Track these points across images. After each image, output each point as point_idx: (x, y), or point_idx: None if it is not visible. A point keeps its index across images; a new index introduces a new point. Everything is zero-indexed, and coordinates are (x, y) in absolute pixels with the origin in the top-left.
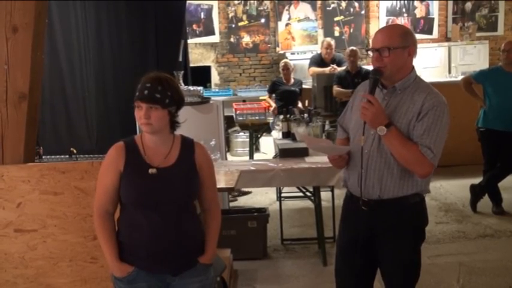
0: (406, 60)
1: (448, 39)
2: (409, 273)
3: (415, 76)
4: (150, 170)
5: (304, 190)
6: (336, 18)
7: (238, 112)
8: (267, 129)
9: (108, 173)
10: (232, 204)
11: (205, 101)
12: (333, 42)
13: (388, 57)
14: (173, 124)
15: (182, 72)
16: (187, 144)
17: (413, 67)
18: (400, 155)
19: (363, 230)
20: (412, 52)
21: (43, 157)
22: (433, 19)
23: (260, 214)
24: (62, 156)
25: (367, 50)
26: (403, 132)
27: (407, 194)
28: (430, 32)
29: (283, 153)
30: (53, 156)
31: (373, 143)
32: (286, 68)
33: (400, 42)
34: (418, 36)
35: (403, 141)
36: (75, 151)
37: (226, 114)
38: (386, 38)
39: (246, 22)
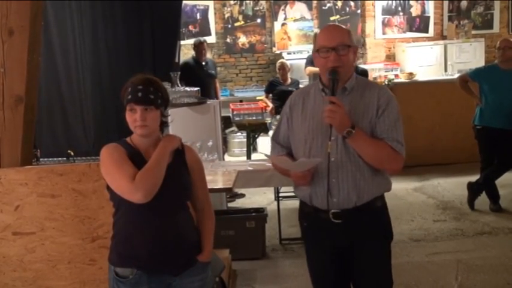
0: (353, 59)
1: (443, 38)
2: (389, 277)
3: (355, 75)
4: None
5: None
6: (332, 18)
7: (235, 112)
8: (264, 129)
9: (126, 159)
10: (230, 204)
11: (202, 101)
12: None
13: (345, 56)
14: (162, 124)
15: (179, 73)
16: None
17: None
18: (371, 155)
19: (340, 243)
20: (356, 52)
21: (40, 159)
22: (428, 17)
23: (258, 214)
24: (60, 159)
25: (317, 51)
26: (366, 132)
27: (378, 194)
28: (425, 31)
29: None
30: (50, 159)
31: (338, 148)
32: (283, 67)
33: (351, 40)
34: (414, 34)
35: (370, 141)
36: (72, 153)
37: (223, 114)
38: (342, 36)
39: (242, 22)
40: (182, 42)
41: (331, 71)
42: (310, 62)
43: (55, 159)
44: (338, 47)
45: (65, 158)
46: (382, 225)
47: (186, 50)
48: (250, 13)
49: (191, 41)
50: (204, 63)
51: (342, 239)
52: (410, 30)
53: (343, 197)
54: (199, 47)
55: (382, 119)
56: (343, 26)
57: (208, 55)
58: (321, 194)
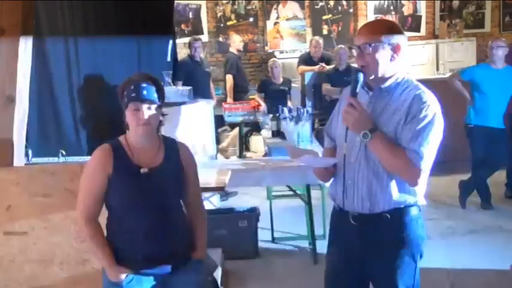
0: (391, 58)
1: (435, 37)
2: None
3: (403, 76)
4: (142, 170)
5: (294, 189)
6: (324, 17)
7: (227, 111)
8: (256, 128)
9: (96, 176)
10: (222, 204)
11: (194, 100)
12: (321, 40)
13: (369, 55)
14: (158, 123)
15: (171, 72)
16: (171, 144)
17: (401, 66)
18: (388, 162)
19: (355, 246)
20: (398, 49)
21: (32, 159)
22: (420, 17)
23: (251, 213)
24: (51, 158)
25: (350, 48)
26: (390, 137)
27: (399, 206)
28: (417, 30)
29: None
30: (41, 158)
31: (359, 150)
32: (275, 66)
33: (383, 38)
34: (405, 33)
35: (389, 147)
36: (64, 153)
37: (215, 113)
38: (369, 34)
39: (235, 21)
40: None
41: (355, 70)
42: (302, 61)
43: (46, 159)
44: (362, 46)
45: (56, 158)
46: (404, 242)
47: (178, 49)
48: (242, 12)
49: (183, 40)
50: (198, 60)
51: (358, 244)
52: (402, 29)
53: (356, 201)
54: (191, 45)
55: (409, 127)
56: (383, 21)
57: (201, 53)
58: (341, 194)
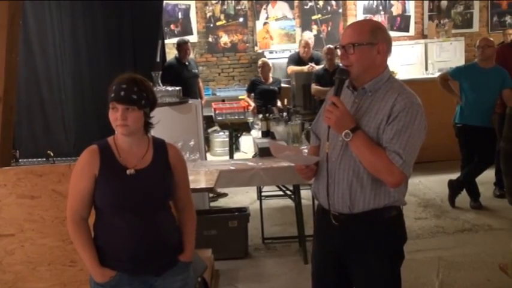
0: (375, 58)
1: (424, 37)
2: None
3: (388, 76)
4: (128, 171)
5: (284, 189)
6: (314, 17)
7: (217, 112)
8: (246, 128)
9: (82, 177)
10: (212, 204)
11: (183, 101)
12: (310, 40)
13: (353, 55)
14: (147, 125)
15: (160, 72)
16: (160, 145)
17: (386, 66)
18: (368, 162)
19: (336, 246)
20: (383, 50)
21: (19, 160)
22: (409, 17)
23: (241, 214)
24: (39, 159)
25: (336, 48)
26: (372, 137)
27: (379, 206)
28: (406, 30)
29: (262, 152)
30: (29, 160)
31: (341, 150)
32: (264, 66)
33: (367, 38)
34: (394, 33)
35: (370, 147)
36: (52, 154)
37: (205, 114)
38: (353, 34)
39: (224, 21)
40: (165, 41)
41: (339, 70)
42: (292, 61)
43: (34, 160)
44: (346, 46)
45: (44, 159)
46: (383, 242)
47: (167, 49)
48: (232, 12)
49: (173, 40)
50: (187, 63)
51: (339, 244)
52: (391, 29)
53: (337, 200)
54: (183, 47)
55: (390, 127)
56: (368, 21)
57: (190, 55)
58: (322, 194)
